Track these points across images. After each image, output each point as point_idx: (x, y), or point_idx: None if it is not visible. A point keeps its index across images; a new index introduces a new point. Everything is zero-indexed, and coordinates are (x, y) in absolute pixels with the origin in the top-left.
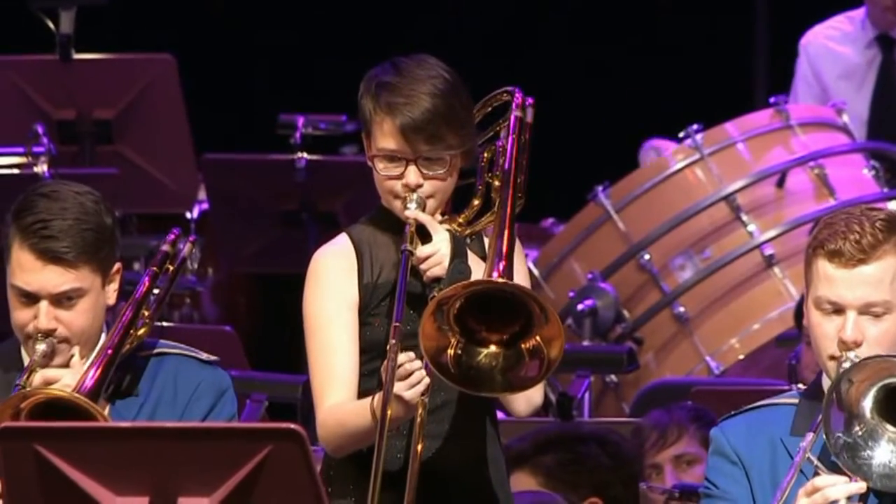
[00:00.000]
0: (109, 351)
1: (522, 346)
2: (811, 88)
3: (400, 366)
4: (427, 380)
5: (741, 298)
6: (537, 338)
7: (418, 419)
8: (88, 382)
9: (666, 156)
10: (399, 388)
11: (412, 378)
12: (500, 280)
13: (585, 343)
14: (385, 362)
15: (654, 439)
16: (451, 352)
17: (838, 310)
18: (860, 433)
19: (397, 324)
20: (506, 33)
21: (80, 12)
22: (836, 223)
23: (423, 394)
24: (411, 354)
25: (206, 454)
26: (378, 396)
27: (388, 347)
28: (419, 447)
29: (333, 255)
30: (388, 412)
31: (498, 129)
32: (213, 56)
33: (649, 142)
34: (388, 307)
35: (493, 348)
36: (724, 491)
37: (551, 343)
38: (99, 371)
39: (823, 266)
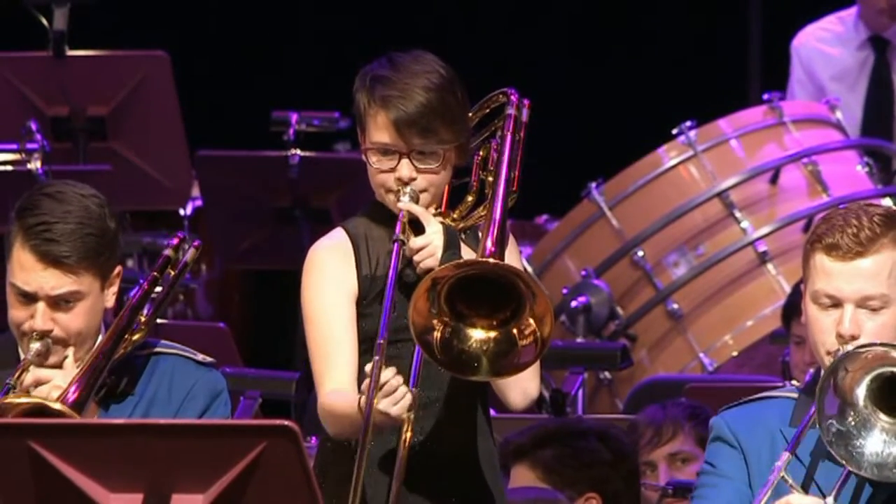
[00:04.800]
0: (100, 357)
1: (514, 331)
2: (806, 89)
3: (383, 385)
4: (410, 397)
5: (735, 295)
6: (529, 320)
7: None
8: (71, 396)
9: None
10: (384, 404)
11: (396, 395)
12: (491, 260)
13: (579, 340)
14: (366, 381)
15: (649, 437)
16: (439, 334)
17: (836, 304)
18: (853, 422)
19: (382, 341)
20: (500, 30)
21: (73, 9)
22: (834, 218)
23: (408, 410)
24: (393, 369)
25: (200, 451)
26: (364, 398)
27: (369, 366)
28: (408, 435)
29: (331, 248)
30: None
31: (494, 128)
32: (207, 52)
33: None
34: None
35: (483, 334)
36: (721, 470)
37: (543, 320)
38: (85, 381)
39: (821, 260)
